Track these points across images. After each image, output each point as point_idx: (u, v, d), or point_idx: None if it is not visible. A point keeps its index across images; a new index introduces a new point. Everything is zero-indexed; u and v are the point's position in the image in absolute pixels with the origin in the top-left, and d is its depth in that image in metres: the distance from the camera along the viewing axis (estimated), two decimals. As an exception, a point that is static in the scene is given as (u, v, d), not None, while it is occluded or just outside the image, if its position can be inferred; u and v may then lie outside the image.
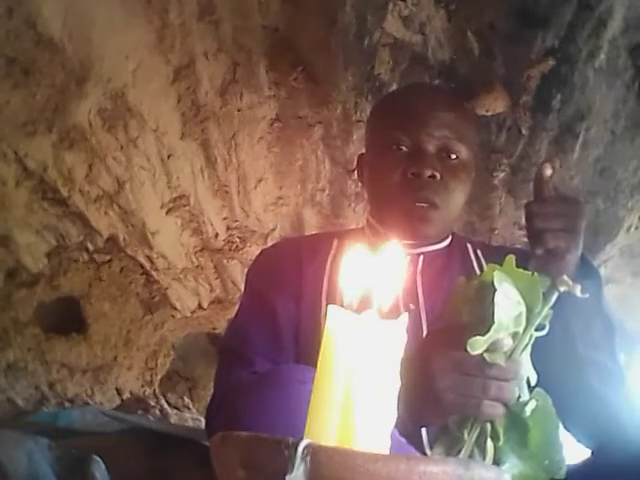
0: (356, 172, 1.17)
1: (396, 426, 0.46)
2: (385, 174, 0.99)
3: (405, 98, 1.08)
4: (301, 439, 0.42)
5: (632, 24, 1.41)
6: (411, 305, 0.95)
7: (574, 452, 0.82)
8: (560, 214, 0.78)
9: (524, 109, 1.61)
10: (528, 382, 0.63)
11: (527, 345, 0.62)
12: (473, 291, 0.63)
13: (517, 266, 0.62)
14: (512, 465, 0.61)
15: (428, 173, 0.96)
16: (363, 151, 1.13)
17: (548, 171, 0.79)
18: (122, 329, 2.26)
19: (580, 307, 0.76)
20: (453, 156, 0.99)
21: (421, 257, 1.01)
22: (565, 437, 0.74)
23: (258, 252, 1.13)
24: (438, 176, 0.96)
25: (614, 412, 0.79)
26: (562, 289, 0.60)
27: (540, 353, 0.65)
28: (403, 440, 0.65)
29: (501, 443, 0.61)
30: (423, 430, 0.77)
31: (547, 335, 0.62)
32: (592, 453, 0.82)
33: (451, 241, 1.06)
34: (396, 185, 0.98)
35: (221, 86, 1.69)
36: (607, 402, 0.80)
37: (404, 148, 0.99)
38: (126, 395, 2.33)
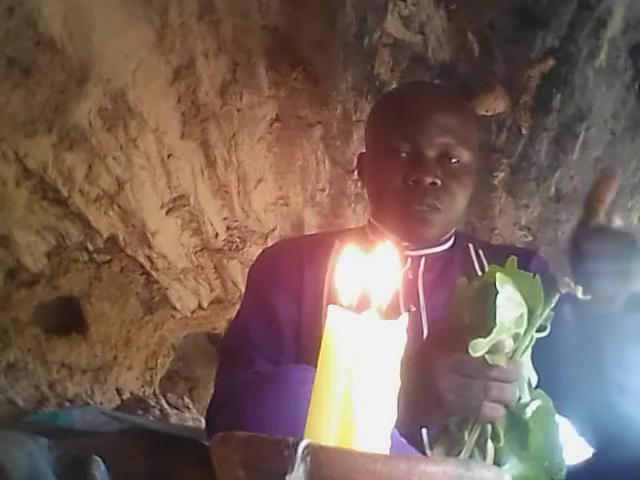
0: (356, 171, 1.16)
1: (396, 426, 0.46)
2: (385, 179, 0.98)
3: (404, 101, 1.05)
4: (301, 439, 0.41)
5: (632, 24, 1.41)
6: (412, 307, 0.95)
7: (576, 448, 0.82)
8: (617, 256, 0.68)
9: (524, 109, 1.61)
10: (529, 383, 0.63)
11: (528, 346, 0.62)
12: (474, 292, 0.63)
13: (519, 267, 0.62)
14: (512, 466, 0.61)
15: (429, 180, 0.95)
16: (363, 150, 1.12)
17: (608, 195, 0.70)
18: (122, 329, 2.26)
19: (616, 335, 0.74)
20: (454, 160, 0.97)
21: (423, 259, 1.01)
22: (566, 434, 0.74)
23: (259, 252, 1.12)
24: (439, 183, 0.95)
25: (624, 420, 0.78)
26: (563, 290, 0.60)
27: (565, 370, 0.65)
28: (403, 440, 0.65)
29: (501, 444, 0.61)
30: (423, 430, 0.77)
31: (578, 359, 0.61)
32: (594, 453, 0.82)
33: (454, 242, 1.05)
34: (397, 191, 0.97)
35: (221, 86, 1.69)
36: (621, 414, 0.78)
37: (404, 154, 0.97)
38: (126, 395, 2.33)
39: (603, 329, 0.74)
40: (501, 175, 1.78)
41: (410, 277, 0.99)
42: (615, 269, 0.68)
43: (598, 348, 0.75)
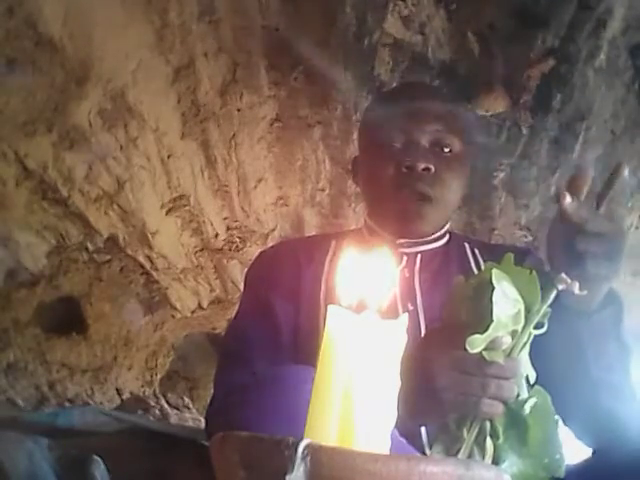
0: (352, 176, 1.17)
1: (395, 425, 0.46)
2: (379, 170, 0.99)
3: (395, 96, 1.08)
4: (301, 439, 0.41)
5: (632, 24, 1.41)
6: (409, 305, 0.95)
7: (574, 450, 0.82)
8: (607, 239, 0.68)
9: (524, 109, 1.61)
10: (527, 380, 0.63)
11: (526, 343, 0.62)
12: (471, 289, 0.63)
13: (515, 264, 0.62)
14: (511, 463, 0.61)
15: (422, 166, 0.95)
16: (357, 154, 1.14)
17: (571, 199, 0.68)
18: (122, 329, 2.26)
19: (597, 332, 0.75)
20: (446, 149, 0.98)
21: (419, 256, 1.01)
22: (565, 435, 0.74)
23: (256, 254, 1.13)
24: (432, 168, 0.96)
25: (618, 419, 0.78)
26: (560, 287, 0.60)
27: (552, 373, 0.65)
28: (403, 440, 0.65)
29: (500, 441, 0.61)
30: (423, 429, 0.77)
31: (561, 357, 0.63)
32: (593, 453, 0.82)
33: (448, 240, 1.06)
34: (391, 180, 0.97)
35: (221, 86, 1.69)
36: (613, 413, 0.79)
37: (397, 144, 0.99)
38: (126, 395, 2.33)
39: (583, 327, 0.74)
40: (501, 175, 1.79)
41: (407, 275, 0.99)
42: (608, 252, 0.69)
43: (580, 347, 0.76)
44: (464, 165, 1.02)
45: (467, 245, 1.06)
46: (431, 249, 1.02)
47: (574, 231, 0.68)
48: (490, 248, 1.12)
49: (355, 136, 1.76)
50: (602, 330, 0.75)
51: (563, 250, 0.70)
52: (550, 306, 0.62)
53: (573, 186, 0.70)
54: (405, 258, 1.00)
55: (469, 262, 1.02)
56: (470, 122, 1.11)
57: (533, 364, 0.64)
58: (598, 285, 0.72)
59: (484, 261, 0.99)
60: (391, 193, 0.97)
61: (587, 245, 0.68)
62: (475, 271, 0.98)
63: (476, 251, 1.04)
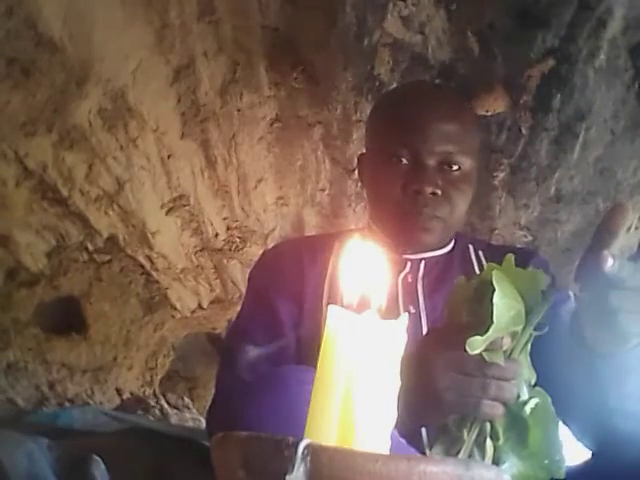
0: (357, 172, 1.16)
1: (395, 426, 0.46)
2: (385, 187, 0.97)
3: (405, 106, 1.02)
4: (301, 439, 0.41)
5: (632, 24, 1.41)
6: (411, 309, 0.95)
7: (574, 451, 0.82)
8: None
9: (524, 109, 1.61)
10: (528, 381, 0.63)
11: (526, 344, 0.62)
12: (472, 290, 0.63)
13: (517, 265, 0.62)
14: (512, 464, 0.61)
15: (429, 190, 0.93)
16: (363, 151, 1.12)
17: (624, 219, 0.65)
18: (122, 329, 2.26)
19: (619, 372, 0.71)
20: (455, 167, 0.96)
21: (422, 262, 1.01)
22: (565, 436, 0.74)
23: (260, 253, 1.12)
24: (439, 192, 0.94)
25: (621, 420, 0.77)
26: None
27: (557, 375, 0.65)
28: (403, 440, 0.65)
29: (501, 442, 0.61)
30: (423, 430, 0.77)
31: (576, 389, 0.63)
32: (592, 454, 0.82)
33: (454, 245, 1.05)
34: (397, 200, 0.96)
35: (221, 86, 1.69)
36: (616, 414, 0.77)
37: (404, 161, 0.96)
38: (126, 395, 2.33)
39: (604, 367, 0.71)
40: (501, 175, 1.79)
41: (409, 280, 0.98)
42: None
43: (600, 385, 0.72)
44: (472, 180, 1.00)
45: (471, 247, 1.05)
46: (435, 256, 1.02)
47: (609, 286, 0.62)
48: (495, 249, 1.10)
49: (355, 136, 1.77)
50: (625, 370, 0.70)
51: (592, 305, 0.65)
52: (573, 347, 0.61)
53: (612, 222, 0.66)
54: (409, 264, 1.00)
55: (473, 266, 1.01)
56: (479, 133, 1.07)
57: (535, 365, 0.64)
58: (627, 342, 0.67)
59: (487, 263, 0.99)
60: (398, 212, 0.96)
61: (622, 301, 0.62)
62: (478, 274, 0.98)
63: (480, 253, 1.04)
